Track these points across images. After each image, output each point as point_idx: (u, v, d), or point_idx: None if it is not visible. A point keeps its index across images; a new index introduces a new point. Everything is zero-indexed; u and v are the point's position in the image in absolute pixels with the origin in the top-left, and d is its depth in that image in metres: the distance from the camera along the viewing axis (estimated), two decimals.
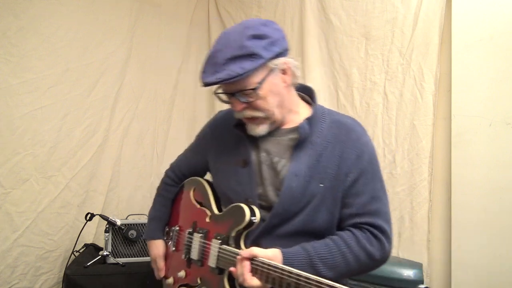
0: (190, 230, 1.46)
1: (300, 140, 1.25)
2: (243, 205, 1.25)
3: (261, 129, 1.27)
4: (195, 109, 3.08)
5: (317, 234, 1.24)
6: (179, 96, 2.95)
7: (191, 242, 1.44)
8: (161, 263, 1.58)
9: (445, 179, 2.07)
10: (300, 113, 1.33)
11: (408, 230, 2.13)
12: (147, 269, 2.10)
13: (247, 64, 1.16)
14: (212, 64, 1.20)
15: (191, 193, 1.54)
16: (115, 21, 2.53)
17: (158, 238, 1.61)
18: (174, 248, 1.54)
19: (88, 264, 2.03)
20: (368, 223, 1.22)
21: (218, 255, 1.27)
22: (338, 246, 1.19)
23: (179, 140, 2.96)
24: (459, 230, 1.99)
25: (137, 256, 2.21)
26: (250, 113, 1.24)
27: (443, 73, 2.10)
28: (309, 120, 1.27)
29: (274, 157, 1.28)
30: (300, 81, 1.34)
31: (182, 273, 1.45)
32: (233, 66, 1.16)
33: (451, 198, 2.02)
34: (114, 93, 2.54)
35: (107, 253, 2.13)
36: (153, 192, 2.73)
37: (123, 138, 2.61)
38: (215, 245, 1.30)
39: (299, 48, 2.55)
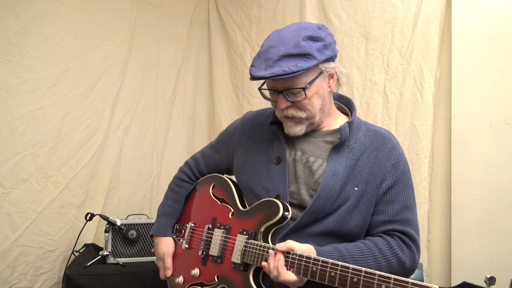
0: (210, 226, 1.43)
1: (340, 142, 1.27)
2: (275, 200, 1.25)
3: (299, 130, 1.29)
4: (195, 109, 3.08)
5: (347, 237, 1.25)
6: (179, 96, 2.95)
7: (210, 238, 1.41)
8: (169, 261, 1.54)
9: (445, 179, 2.07)
10: (337, 119, 1.37)
11: None
12: (147, 269, 2.12)
13: (301, 63, 1.18)
14: (264, 59, 1.22)
15: (210, 189, 1.52)
16: (115, 21, 2.53)
17: (168, 235, 1.56)
18: (187, 246, 1.50)
19: (88, 264, 2.04)
20: (399, 230, 1.23)
21: (244, 250, 1.26)
22: (370, 249, 1.20)
23: (179, 140, 2.96)
24: (459, 230, 1.99)
25: (137, 256, 2.21)
26: (293, 112, 1.26)
27: (443, 73, 2.10)
28: (349, 124, 1.29)
29: (310, 157, 1.30)
30: None
31: (195, 271, 1.41)
32: (287, 63, 1.18)
33: (451, 198, 2.02)
34: (114, 93, 2.54)
35: (107, 253, 2.13)
36: (153, 192, 2.77)
37: (123, 138, 2.61)
38: (240, 240, 1.28)
39: None
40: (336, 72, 1.29)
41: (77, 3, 2.34)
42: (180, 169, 1.65)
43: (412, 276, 1.87)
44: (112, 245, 2.16)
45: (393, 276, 0.98)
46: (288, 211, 1.24)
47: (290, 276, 1.12)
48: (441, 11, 2.07)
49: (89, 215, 2.21)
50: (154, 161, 2.81)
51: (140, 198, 2.72)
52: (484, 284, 0.86)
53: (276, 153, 1.34)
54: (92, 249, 2.30)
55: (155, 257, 2.18)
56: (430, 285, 0.93)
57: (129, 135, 2.64)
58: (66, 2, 2.29)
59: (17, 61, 2.11)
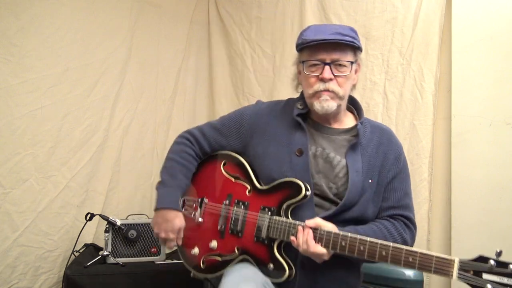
0: (227, 202, 1.49)
1: (357, 141, 1.41)
2: (297, 180, 1.35)
3: (332, 105, 1.39)
4: (195, 109, 3.08)
5: (365, 223, 1.41)
6: (179, 96, 2.95)
7: (228, 213, 1.48)
8: (182, 235, 1.53)
9: (445, 179, 2.07)
10: (347, 117, 1.51)
11: None
12: (147, 269, 2.12)
13: (353, 39, 1.37)
14: (319, 32, 1.38)
15: (221, 166, 1.56)
16: (115, 21, 2.53)
17: (181, 210, 1.53)
18: (201, 219, 1.54)
19: (88, 264, 2.03)
20: (402, 215, 1.42)
21: (268, 226, 1.36)
22: (381, 230, 1.37)
23: None
24: (459, 230, 1.99)
25: (137, 256, 2.21)
26: (334, 86, 1.37)
27: (443, 73, 2.10)
28: (361, 123, 1.45)
29: (330, 153, 1.42)
30: None
31: (214, 244, 1.47)
32: (342, 36, 1.35)
33: (451, 198, 2.02)
34: (114, 93, 2.54)
35: (107, 253, 2.13)
36: (153, 192, 2.74)
37: (123, 138, 2.61)
38: (264, 216, 1.38)
39: None
40: (359, 68, 1.47)
41: (77, 3, 2.34)
42: (184, 143, 1.60)
43: (412, 276, 1.88)
44: (112, 245, 2.16)
45: (419, 250, 1.15)
46: (309, 190, 1.35)
47: (319, 248, 1.25)
48: (441, 11, 2.07)
49: (89, 215, 2.21)
50: (154, 161, 2.80)
51: (140, 198, 2.71)
52: (495, 257, 1.04)
53: (298, 146, 1.42)
54: (92, 249, 2.30)
55: (156, 257, 2.20)
56: (451, 257, 1.08)
57: (129, 135, 2.64)
58: (66, 2, 2.29)
59: (17, 61, 2.10)
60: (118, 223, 2.16)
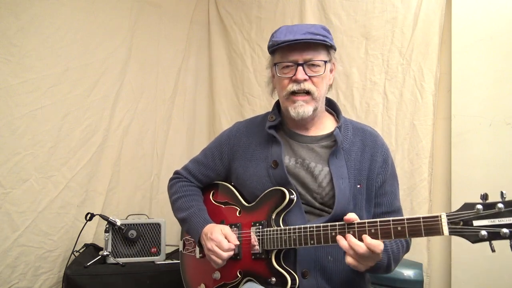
0: None
1: (337, 148, 1.36)
2: (278, 187, 1.35)
3: (308, 110, 1.35)
4: (195, 109, 3.08)
5: None
6: (179, 96, 2.95)
7: None
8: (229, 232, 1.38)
9: (445, 179, 2.07)
10: (326, 121, 1.46)
11: None
12: (147, 269, 2.12)
13: (325, 38, 1.33)
14: (290, 32, 1.33)
15: (211, 197, 1.58)
16: (115, 21, 2.53)
17: (211, 221, 1.46)
18: (201, 255, 1.51)
19: (88, 264, 2.03)
20: None
21: (261, 239, 1.33)
22: (395, 241, 1.33)
23: (179, 140, 2.96)
24: None
25: (137, 256, 2.21)
26: (309, 86, 1.33)
27: (443, 73, 2.10)
28: (339, 128, 1.39)
29: (311, 163, 1.38)
30: None
31: (217, 275, 1.45)
32: (312, 36, 1.31)
33: (451, 198, 2.02)
34: (114, 93, 2.54)
35: (107, 253, 2.13)
36: (153, 192, 2.77)
37: (123, 138, 2.61)
38: (255, 231, 1.36)
39: None
40: (334, 67, 1.41)
41: (77, 3, 2.34)
42: (177, 182, 1.61)
43: (412, 276, 1.88)
44: (112, 245, 2.16)
45: (405, 217, 1.11)
46: (293, 194, 1.32)
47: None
48: (441, 11, 2.07)
49: (89, 215, 2.21)
50: (154, 161, 2.80)
51: (140, 198, 2.71)
52: (480, 201, 0.99)
53: (273, 158, 1.40)
54: (92, 249, 2.30)
55: (156, 257, 2.20)
56: (437, 213, 1.05)
57: (129, 135, 2.64)
58: (66, 2, 2.29)
59: (17, 61, 2.10)
60: (118, 223, 2.16)
